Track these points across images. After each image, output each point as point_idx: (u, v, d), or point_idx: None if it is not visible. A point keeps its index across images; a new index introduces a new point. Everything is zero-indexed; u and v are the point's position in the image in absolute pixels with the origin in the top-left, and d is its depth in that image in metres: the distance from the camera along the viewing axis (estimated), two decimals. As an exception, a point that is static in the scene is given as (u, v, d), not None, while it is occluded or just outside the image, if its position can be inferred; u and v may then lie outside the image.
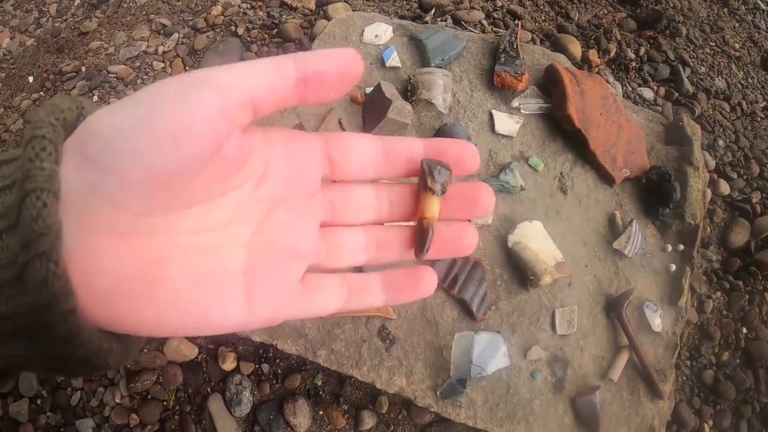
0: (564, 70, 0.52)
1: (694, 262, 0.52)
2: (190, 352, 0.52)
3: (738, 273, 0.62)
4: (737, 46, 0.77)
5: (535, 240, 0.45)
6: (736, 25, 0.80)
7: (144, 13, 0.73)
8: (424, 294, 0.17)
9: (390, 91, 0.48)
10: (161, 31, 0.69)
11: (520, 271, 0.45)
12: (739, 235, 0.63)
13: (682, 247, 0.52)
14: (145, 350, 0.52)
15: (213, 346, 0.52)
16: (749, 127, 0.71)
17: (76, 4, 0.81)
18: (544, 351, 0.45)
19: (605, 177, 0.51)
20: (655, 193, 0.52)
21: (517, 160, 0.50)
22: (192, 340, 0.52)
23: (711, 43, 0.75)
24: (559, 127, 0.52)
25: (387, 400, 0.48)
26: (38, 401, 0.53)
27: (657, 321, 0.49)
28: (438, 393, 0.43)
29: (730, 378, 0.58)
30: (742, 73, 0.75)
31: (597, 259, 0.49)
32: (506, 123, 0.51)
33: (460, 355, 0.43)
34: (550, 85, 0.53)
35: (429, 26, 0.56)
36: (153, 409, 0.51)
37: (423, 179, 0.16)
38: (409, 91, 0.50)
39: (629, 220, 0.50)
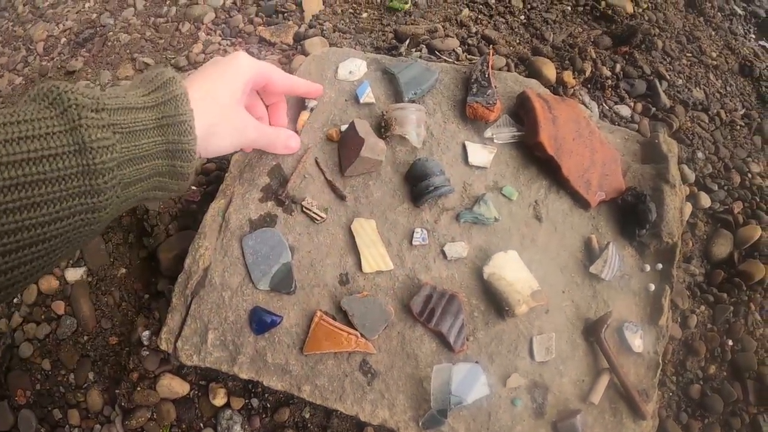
0: (536, 97, 0.53)
1: (674, 281, 0.52)
2: (182, 389, 0.53)
3: (722, 285, 0.63)
4: (714, 54, 0.77)
5: (510, 270, 0.46)
6: (713, 33, 0.80)
7: (128, 51, 0.74)
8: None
9: (363, 128, 0.49)
10: (145, 70, 0.71)
11: (496, 302, 0.46)
12: (722, 247, 0.64)
13: (660, 266, 0.53)
14: (138, 388, 0.54)
15: (204, 382, 0.54)
16: (729, 137, 0.71)
17: (62, 42, 0.83)
18: (523, 378, 0.46)
19: (580, 201, 0.52)
20: (631, 215, 0.52)
21: (491, 190, 0.51)
22: (183, 377, 0.54)
23: (687, 54, 0.75)
24: (533, 154, 0.53)
25: (373, 431, 0.49)
26: (37, 440, 0.54)
27: (637, 342, 0.50)
28: (420, 423, 0.44)
29: (718, 391, 0.58)
30: (720, 81, 0.76)
31: (574, 284, 0.50)
32: (479, 154, 0.52)
33: (439, 386, 0.44)
34: (522, 112, 0.54)
35: (402, 59, 0.57)
36: (148, 445, 0.52)
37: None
38: (383, 127, 0.51)
39: (606, 243, 0.51)
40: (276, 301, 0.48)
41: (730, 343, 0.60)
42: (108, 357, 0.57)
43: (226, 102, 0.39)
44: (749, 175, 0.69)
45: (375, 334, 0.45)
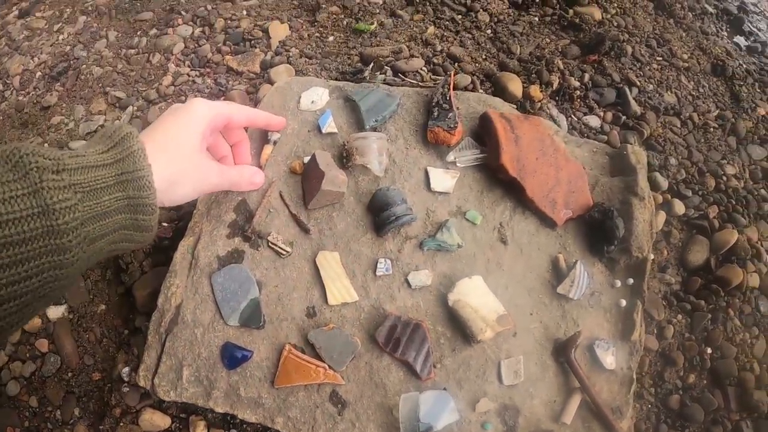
0: (498, 118, 0.53)
1: (645, 296, 0.52)
2: (164, 422, 0.54)
3: (699, 292, 0.62)
4: (685, 56, 0.77)
5: (475, 296, 0.47)
6: (683, 34, 0.79)
7: (100, 85, 0.75)
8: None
9: (324, 160, 0.50)
10: (117, 104, 0.71)
11: (462, 329, 0.47)
12: (698, 254, 0.64)
13: (631, 281, 0.53)
14: (121, 424, 0.55)
15: (184, 415, 0.54)
16: (702, 140, 0.71)
17: (37, 76, 0.84)
18: (492, 402, 0.46)
19: (546, 221, 0.52)
20: (599, 231, 0.52)
21: (454, 215, 0.51)
22: (164, 411, 0.55)
23: (658, 58, 0.75)
24: (496, 176, 0.53)
25: (348, 460, 0.50)
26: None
27: (609, 359, 0.50)
28: (392, 453, 0.45)
29: (698, 400, 0.58)
30: (692, 83, 0.75)
31: (542, 305, 0.50)
32: (442, 179, 0.52)
33: (407, 414, 0.44)
34: (484, 133, 0.54)
35: (364, 85, 0.58)
36: (133, 479, 0.53)
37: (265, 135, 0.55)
38: (345, 158, 0.52)
39: (573, 262, 0.51)
40: (246, 336, 0.48)
41: (709, 351, 0.60)
42: (92, 393, 0.58)
43: (186, 152, 0.40)
44: (724, 178, 0.68)
45: (343, 365, 0.46)
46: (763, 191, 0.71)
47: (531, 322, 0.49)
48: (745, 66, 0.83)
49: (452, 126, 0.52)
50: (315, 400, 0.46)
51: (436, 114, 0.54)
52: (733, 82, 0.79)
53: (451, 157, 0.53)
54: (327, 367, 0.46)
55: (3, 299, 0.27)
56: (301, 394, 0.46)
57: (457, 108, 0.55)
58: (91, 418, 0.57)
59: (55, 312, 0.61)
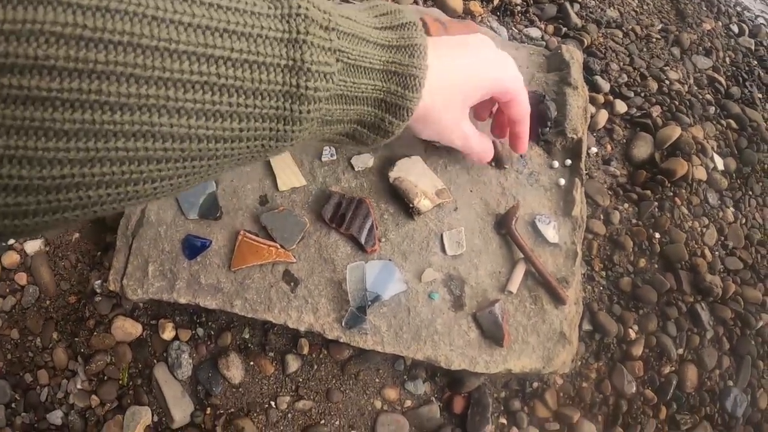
0: (432, 21, 0.56)
1: (583, 174, 0.55)
2: (135, 329, 0.57)
3: (645, 184, 0.65)
4: (628, -23, 0.80)
5: (414, 173, 0.49)
6: (624, -43, 0.83)
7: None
8: None
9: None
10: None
11: (404, 204, 0.49)
12: (642, 149, 0.66)
13: (569, 161, 0.55)
14: (95, 333, 0.57)
15: (154, 321, 0.57)
16: (644, 49, 0.74)
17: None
18: (437, 272, 0.49)
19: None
20: (532, 116, 0.55)
21: (393, 105, 0.54)
22: (135, 318, 0.57)
23: (600, -22, 0.78)
24: (433, 71, 0.56)
25: (307, 342, 0.52)
26: (13, 405, 0.58)
27: (551, 233, 0.52)
28: (343, 323, 0.47)
29: (650, 282, 0.60)
30: (636, 1, 0.79)
31: (481, 183, 0.53)
32: (381, 74, 0.55)
33: (354, 284, 0.47)
34: (420, 35, 0.57)
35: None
36: (110, 388, 0.56)
37: None
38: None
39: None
40: (204, 227, 0.51)
41: (657, 236, 0.62)
42: (69, 316, 0.61)
43: (459, 98, 0.34)
44: (667, 82, 0.71)
45: (293, 243, 0.48)
46: (708, 96, 0.74)
47: (471, 198, 0.52)
48: (689, -13, 0.86)
49: (390, 29, 0.56)
50: (269, 280, 0.49)
51: (375, 21, 0.57)
52: (679, 1, 0.82)
53: (389, 56, 0.57)
54: (279, 246, 0.49)
55: (201, 154, 0.20)
56: (256, 275, 0.49)
57: (396, 16, 0.58)
58: (69, 339, 0.60)
59: (32, 246, 0.64)
